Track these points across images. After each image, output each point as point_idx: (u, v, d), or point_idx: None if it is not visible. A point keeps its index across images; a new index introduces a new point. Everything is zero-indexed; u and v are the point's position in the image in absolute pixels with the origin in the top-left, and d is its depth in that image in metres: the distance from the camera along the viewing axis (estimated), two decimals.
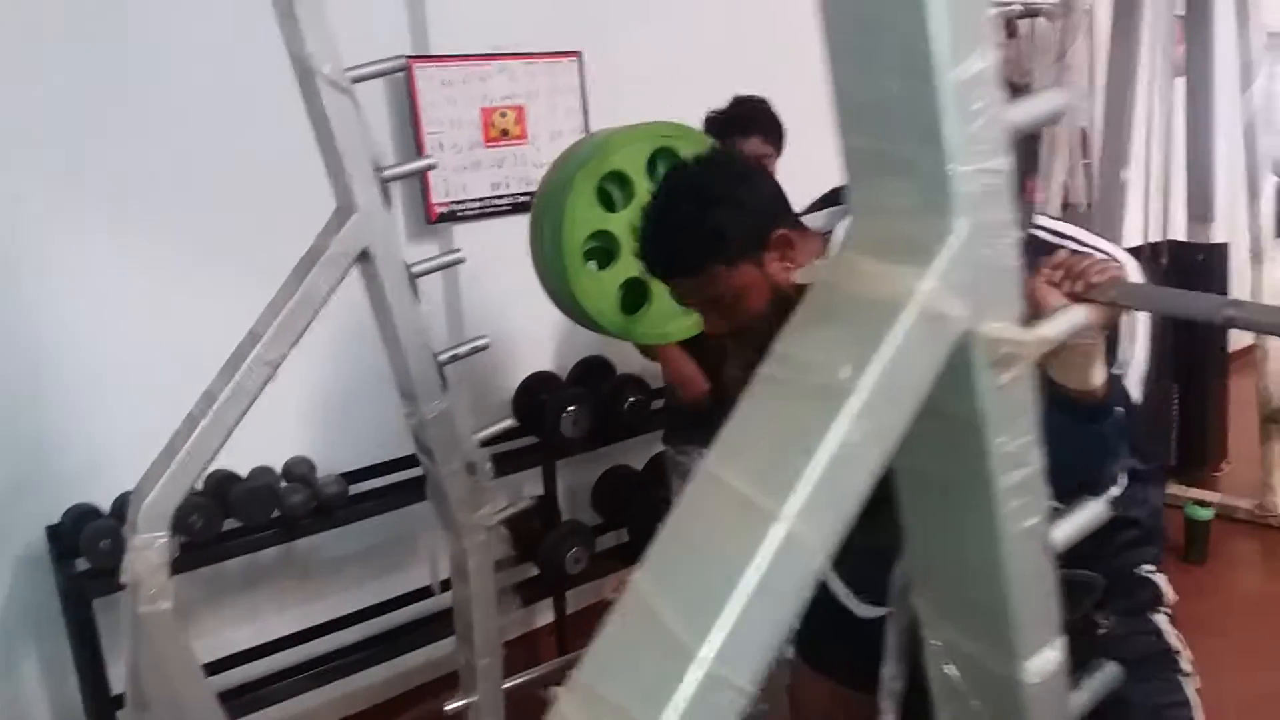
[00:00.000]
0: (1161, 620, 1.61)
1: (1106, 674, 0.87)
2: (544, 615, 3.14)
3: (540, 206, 2.00)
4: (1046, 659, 0.74)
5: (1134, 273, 1.52)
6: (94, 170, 2.45)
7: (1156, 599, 1.62)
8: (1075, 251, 1.24)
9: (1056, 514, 1.27)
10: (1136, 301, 1.18)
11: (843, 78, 0.68)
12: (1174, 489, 3.99)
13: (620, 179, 1.94)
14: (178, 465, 1.52)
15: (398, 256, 1.63)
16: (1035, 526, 0.71)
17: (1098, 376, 1.11)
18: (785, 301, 1.28)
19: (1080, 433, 1.13)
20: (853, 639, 1.34)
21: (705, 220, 1.26)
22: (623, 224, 1.91)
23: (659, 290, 1.98)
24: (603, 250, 1.98)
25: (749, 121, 2.41)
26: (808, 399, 0.64)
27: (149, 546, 1.51)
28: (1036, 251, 1.15)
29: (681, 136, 1.98)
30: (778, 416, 0.65)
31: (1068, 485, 1.24)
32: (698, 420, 2.55)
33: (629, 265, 1.94)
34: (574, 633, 3.09)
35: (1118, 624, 1.57)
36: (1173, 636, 1.60)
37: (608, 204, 1.95)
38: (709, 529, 0.63)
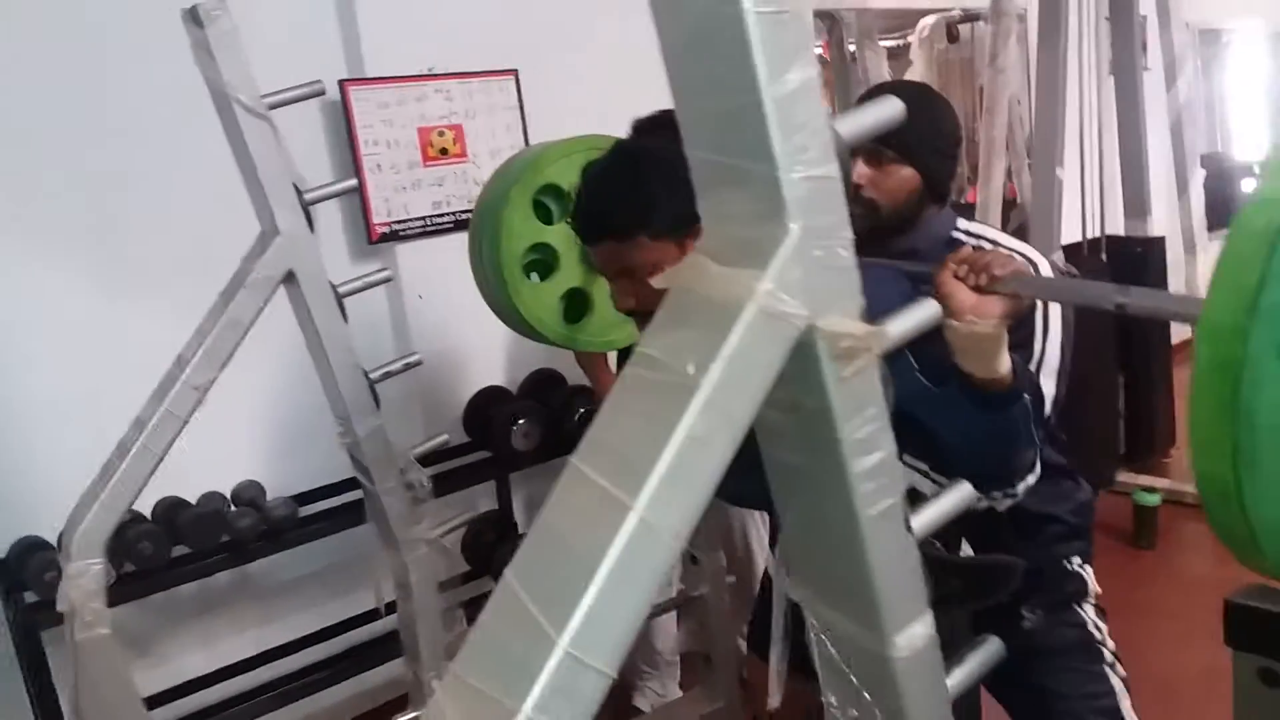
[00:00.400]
0: (1088, 611, 1.67)
1: (988, 650, 0.91)
2: None
3: (478, 222, 2.03)
4: (914, 634, 0.78)
5: (1044, 269, 1.58)
6: (34, 202, 2.45)
7: (1082, 591, 1.67)
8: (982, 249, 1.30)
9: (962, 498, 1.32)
10: (1035, 292, 1.23)
11: (683, 95, 0.73)
12: (1123, 476, 4.09)
13: (555, 191, 1.98)
14: (109, 492, 1.54)
15: (323, 277, 1.65)
16: (891, 508, 0.75)
17: (1003, 365, 1.16)
18: None
19: (987, 418, 1.18)
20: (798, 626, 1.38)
21: (640, 187, 1.29)
22: (560, 236, 1.94)
23: (601, 298, 2.01)
24: (542, 262, 2.01)
25: (669, 126, 2.45)
26: (661, 396, 0.68)
27: (83, 574, 1.53)
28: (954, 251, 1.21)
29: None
30: (635, 413, 0.69)
31: (980, 471, 1.29)
32: None
33: (570, 276, 1.97)
34: None
35: (1042, 617, 1.62)
36: (1096, 627, 1.66)
37: (544, 217, 1.99)
38: (572, 521, 0.67)
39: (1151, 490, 3.75)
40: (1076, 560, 1.66)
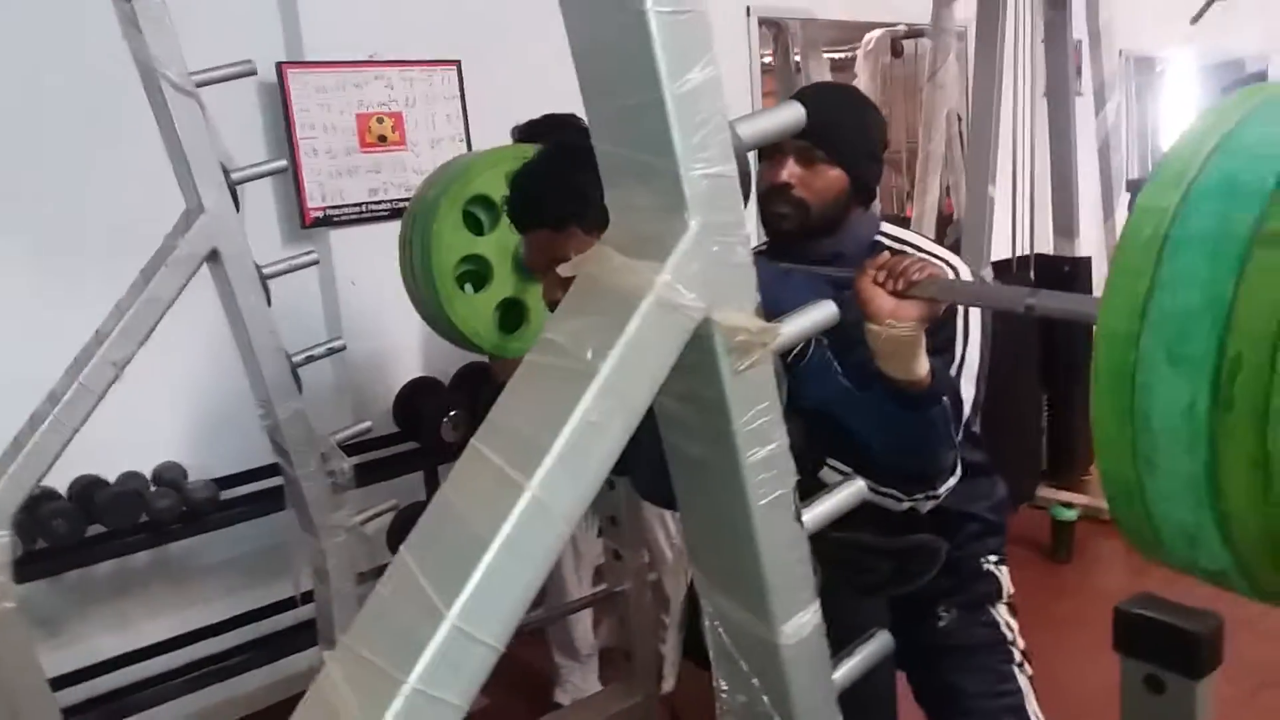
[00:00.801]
0: (1001, 611, 1.72)
1: (877, 642, 0.95)
2: None
3: (407, 234, 2.02)
4: (801, 623, 0.81)
5: (964, 275, 1.63)
6: None
7: (997, 591, 1.72)
8: (901, 253, 1.34)
9: (896, 501, 1.35)
10: (951, 295, 1.28)
11: (591, 91, 0.75)
12: (1043, 491, 4.20)
13: (485, 202, 1.98)
14: (19, 464, 1.51)
15: (247, 257, 1.64)
16: (781, 498, 0.78)
17: (921, 367, 1.20)
18: None
19: (910, 420, 1.22)
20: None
21: (576, 179, 1.31)
22: (493, 246, 1.95)
23: (536, 307, 2.03)
24: (475, 274, 2.01)
25: (551, 133, 2.49)
26: (560, 380, 0.70)
27: None
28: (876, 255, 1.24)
29: None
30: (535, 397, 0.71)
31: (902, 473, 1.32)
32: None
33: (504, 286, 1.98)
34: None
35: (958, 616, 1.67)
36: (1008, 628, 1.71)
37: (475, 228, 1.99)
38: (468, 499, 0.69)
39: (1069, 506, 3.87)
40: (993, 558, 1.71)
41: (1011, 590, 1.74)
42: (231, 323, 1.68)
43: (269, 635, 2.86)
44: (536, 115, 2.69)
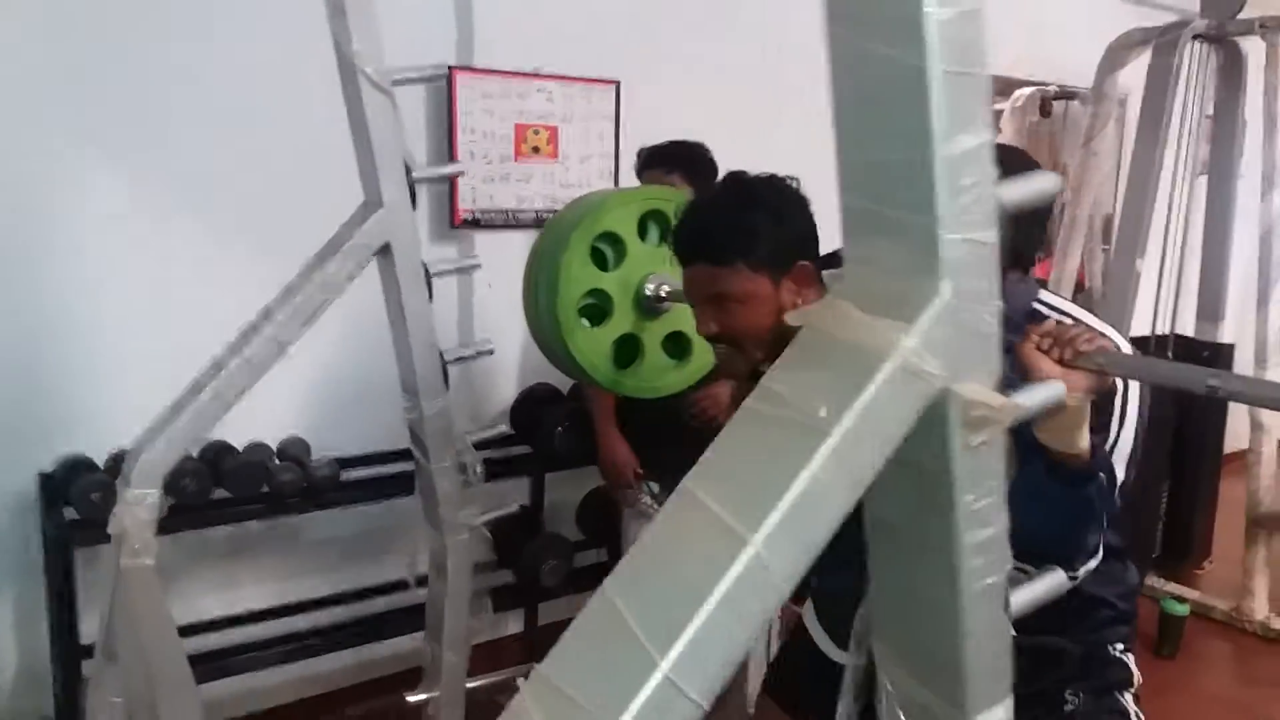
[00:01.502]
0: (1129, 701, 1.64)
1: None
2: (514, 624, 3.16)
3: (534, 264, 2.05)
4: (994, 716, 0.77)
5: (1124, 350, 1.56)
6: (113, 127, 2.49)
7: (1126, 680, 1.64)
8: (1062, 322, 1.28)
9: (1025, 576, 1.30)
10: (1122, 370, 1.21)
11: (847, 141, 0.73)
12: (1154, 581, 4.01)
13: (613, 239, 2.01)
14: (177, 428, 1.56)
15: (417, 255, 1.67)
16: (994, 585, 0.74)
17: (1083, 441, 1.14)
18: (781, 338, 1.32)
19: (1063, 495, 1.17)
20: (825, 682, 1.36)
21: (746, 217, 1.31)
22: (615, 282, 1.99)
23: (651, 345, 2.06)
24: (596, 308, 2.03)
25: (673, 159, 2.50)
26: (787, 434, 0.68)
27: (139, 502, 1.55)
28: (1036, 323, 1.19)
29: (671, 200, 2.05)
30: (757, 447, 0.69)
31: (1046, 548, 1.27)
32: (646, 455, 2.60)
33: (623, 322, 2.02)
34: (543, 645, 3.09)
35: (1086, 702, 1.60)
36: (1138, 716, 1.63)
37: (600, 263, 2.02)
38: (683, 544, 0.67)
39: (1181, 600, 3.68)
40: (1120, 646, 1.64)
41: (1139, 680, 1.66)
42: (391, 316, 1.71)
43: (362, 618, 2.91)
44: (686, 139, 2.71)
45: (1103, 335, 1.22)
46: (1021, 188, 0.72)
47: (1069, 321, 1.54)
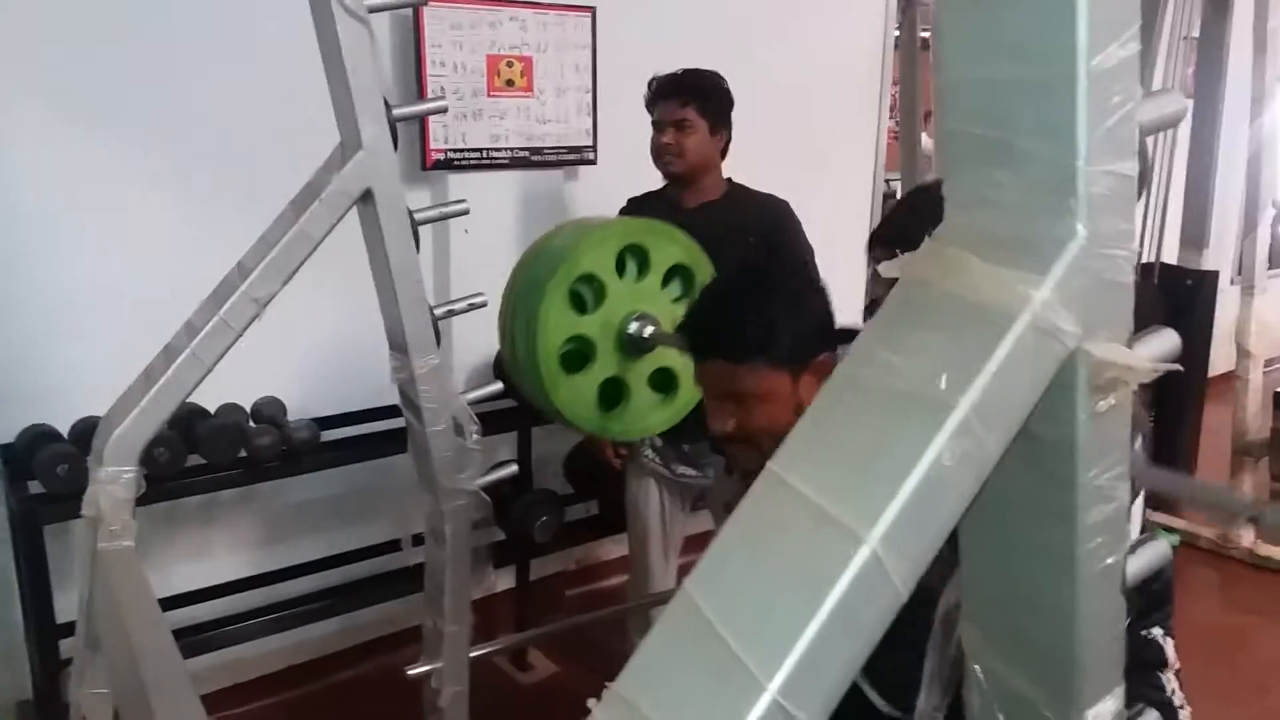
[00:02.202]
0: (1170, 679, 1.59)
1: None
2: (505, 580, 3.08)
3: (510, 308, 1.97)
4: (1104, 709, 0.69)
5: None
6: (82, 88, 2.32)
7: (1160, 661, 1.59)
8: None
9: None
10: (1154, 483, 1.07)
11: (954, 55, 0.62)
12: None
13: (590, 280, 1.93)
14: (151, 399, 1.43)
15: (401, 201, 1.54)
16: (1113, 566, 0.65)
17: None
18: None
19: None
20: None
21: (765, 312, 1.25)
22: (596, 325, 1.92)
23: (637, 385, 1.99)
24: (578, 353, 1.96)
25: (672, 86, 2.40)
26: (899, 408, 0.58)
27: (115, 480, 1.42)
28: None
29: (649, 232, 1.98)
30: (863, 424, 0.59)
31: None
32: None
33: (606, 365, 1.95)
34: (536, 600, 3.04)
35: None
36: (1175, 694, 1.59)
37: (579, 306, 1.94)
38: (780, 541, 0.57)
39: (1170, 530, 3.69)
40: (1158, 631, 1.58)
41: (1178, 666, 1.62)
42: (374, 269, 1.58)
43: (347, 583, 2.81)
44: (666, 71, 2.57)
45: None
46: (1158, 106, 0.62)
47: None
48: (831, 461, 0.58)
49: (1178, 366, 0.63)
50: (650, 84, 2.47)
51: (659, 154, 2.43)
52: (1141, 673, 1.54)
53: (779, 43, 3.46)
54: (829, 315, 1.33)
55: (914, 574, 0.55)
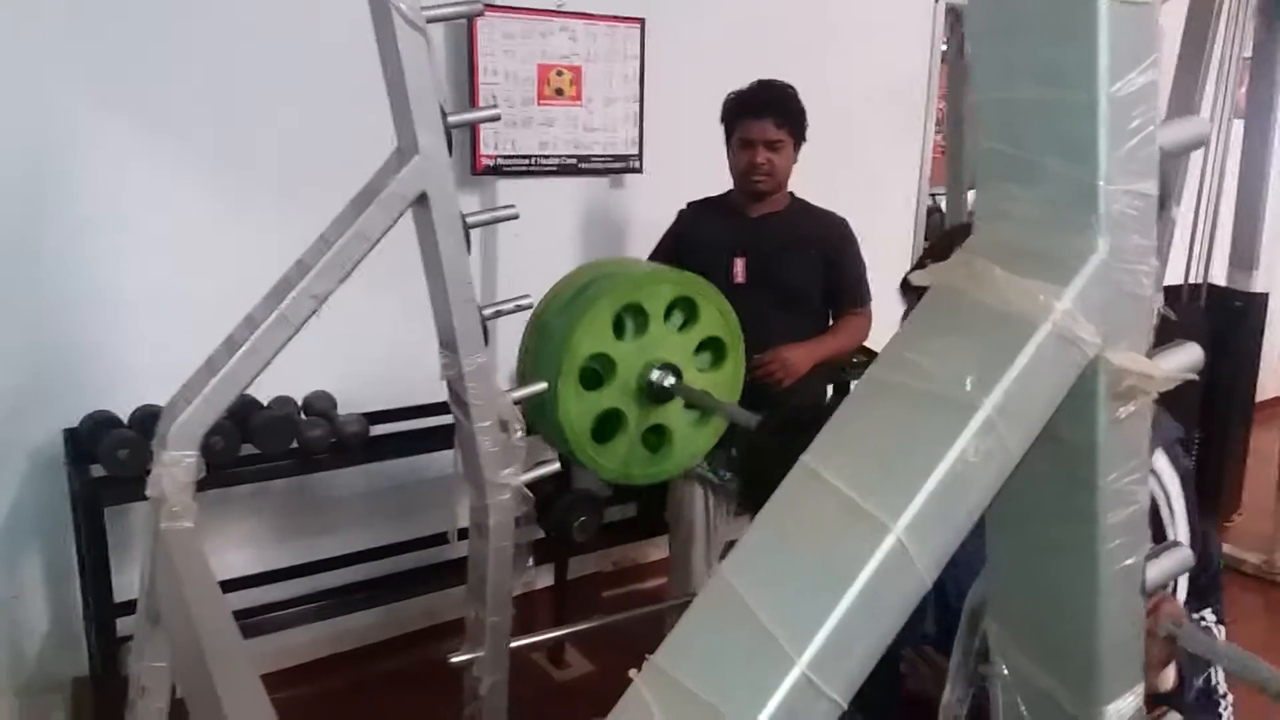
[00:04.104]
0: (1216, 675, 1.60)
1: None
2: (543, 578, 3.13)
3: (546, 313, 2.02)
4: (1124, 706, 0.72)
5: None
6: (136, 85, 2.42)
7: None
8: None
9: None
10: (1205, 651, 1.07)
11: (988, 78, 0.66)
12: None
13: (637, 311, 1.98)
14: (213, 387, 1.50)
15: (455, 204, 1.59)
16: (1133, 566, 0.69)
17: (1167, 681, 1.10)
18: None
19: None
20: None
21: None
22: (626, 354, 1.96)
23: (634, 429, 2.04)
24: (595, 374, 2.00)
25: (763, 105, 2.43)
26: (926, 408, 0.62)
27: (177, 464, 1.50)
28: None
29: (703, 294, 2.04)
30: (891, 422, 0.63)
31: None
32: None
33: (616, 395, 1.99)
34: (573, 599, 3.09)
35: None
36: (1222, 685, 1.60)
37: (618, 332, 1.98)
38: (811, 529, 0.61)
39: None
40: (1210, 616, 1.60)
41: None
42: (428, 269, 1.64)
43: (390, 575, 2.89)
44: (712, 83, 2.61)
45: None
46: (1177, 131, 0.65)
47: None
48: (861, 456, 0.62)
49: (1194, 376, 0.66)
50: (736, 99, 2.49)
51: (748, 172, 2.46)
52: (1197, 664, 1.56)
53: (826, 55, 3.49)
54: None
55: (938, 563, 0.59)
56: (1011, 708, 0.76)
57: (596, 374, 1.99)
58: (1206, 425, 4.03)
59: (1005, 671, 0.76)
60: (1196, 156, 3.83)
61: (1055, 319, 0.60)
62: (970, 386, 0.60)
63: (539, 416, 2.00)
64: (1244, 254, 4.03)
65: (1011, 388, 0.59)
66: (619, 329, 1.98)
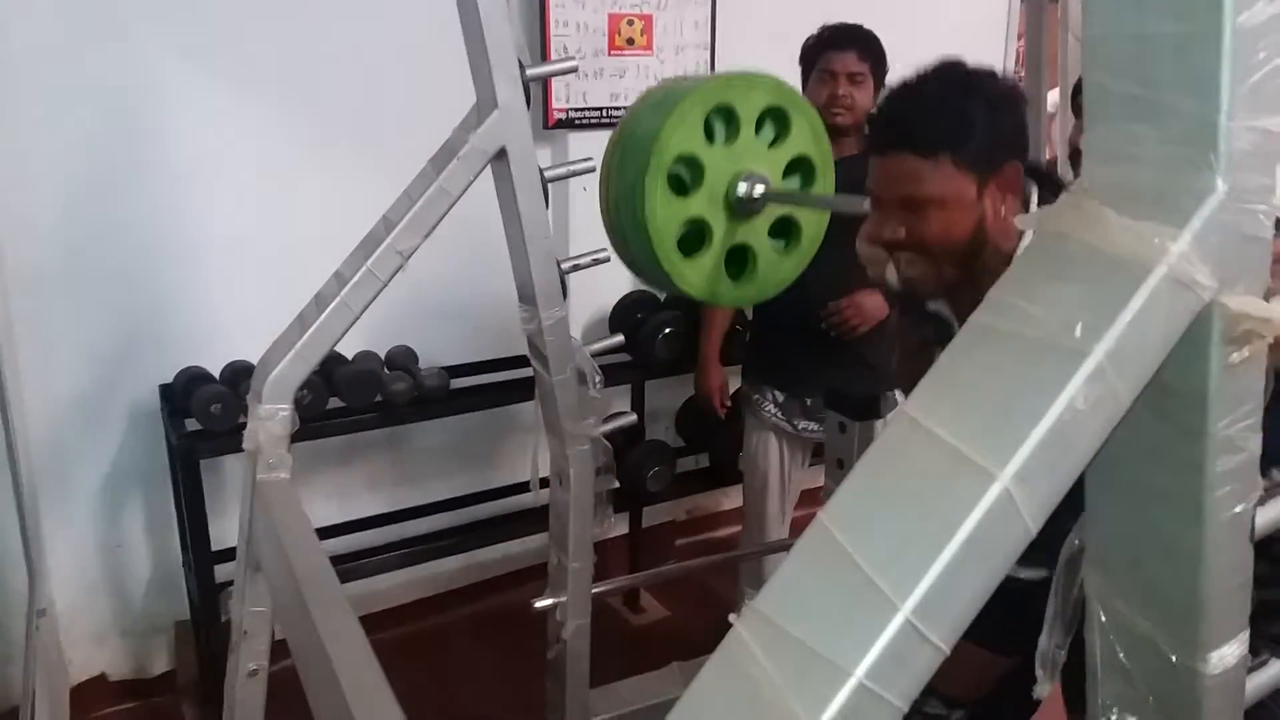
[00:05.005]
0: None
1: (1275, 670, 0.84)
2: (618, 526, 3.18)
3: (614, 213, 1.83)
4: (1228, 653, 0.71)
5: None
6: (226, 45, 2.46)
7: None
8: None
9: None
10: None
11: (1099, 9, 0.63)
12: None
13: (729, 117, 1.80)
14: (305, 343, 1.55)
15: (533, 158, 1.60)
16: (1243, 514, 0.67)
17: None
18: (976, 251, 1.21)
19: None
20: (1003, 599, 1.29)
21: (962, 106, 1.18)
22: (703, 202, 1.79)
23: (760, 245, 1.87)
24: (694, 235, 1.84)
25: (848, 38, 2.37)
26: (1032, 355, 0.61)
27: (272, 417, 1.55)
28: None
29: (729, 88, 1.80)
30: (996, 369, 0.62)
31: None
32: (774, 363, 2.56)
33: (726, 237, 1.83)
34: (646, 547, 3.14)
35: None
36: None
37: (680, 189, 1.80)
38: (914, 478, 0.61)
39: None
40: None
41: None
42: (507, 224, 1.65)
43: (473, 522, 2.96)
44: (784, 30, 2.56)
45: None
46: None
47: None
48: (967, 405, 0.62)
49: None
50: (818, 35, 2.45)
51: (829, 104, 2.40)
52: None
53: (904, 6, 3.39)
54: (1023, 126, 1.27)
55: (1044, 512, 0.59)
56: (1109, 653, 0.75)
57: (682, 183, 1.84)
58: None
59: (1104, 618, 0.75)
60: None
61: (1170, 262, 0.59)
62: (1080, 333, 0.59)
63: (623, 234, 1.85)
64: None
65: (1123, 334, 0.58)
66: (709, 134, 1.82)
